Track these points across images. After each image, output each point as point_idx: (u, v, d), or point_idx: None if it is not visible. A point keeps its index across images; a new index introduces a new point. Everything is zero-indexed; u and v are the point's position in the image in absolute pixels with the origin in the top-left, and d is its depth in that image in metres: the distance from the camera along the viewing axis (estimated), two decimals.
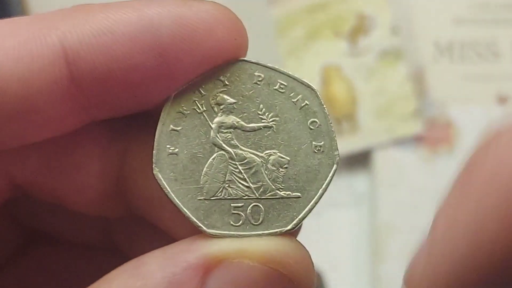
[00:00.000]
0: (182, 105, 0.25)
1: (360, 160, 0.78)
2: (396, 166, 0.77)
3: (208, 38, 0.23)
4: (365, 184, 0.77)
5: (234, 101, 0.25)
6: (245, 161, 0.25)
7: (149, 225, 0.29)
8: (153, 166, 0.24)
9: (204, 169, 0.25)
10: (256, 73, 0.25)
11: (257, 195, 0.25)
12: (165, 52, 0.23)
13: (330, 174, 0.24)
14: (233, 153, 0.25)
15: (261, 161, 0.25)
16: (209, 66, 0.24)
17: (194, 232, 0.24)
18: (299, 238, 0.25)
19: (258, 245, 0.23)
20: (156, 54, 0.23)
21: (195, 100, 0.25)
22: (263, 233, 0.24)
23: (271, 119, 0.25)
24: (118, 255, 0.32)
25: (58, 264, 0.33)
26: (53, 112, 0.23)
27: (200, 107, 0.25)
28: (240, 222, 0.24)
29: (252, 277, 0.22)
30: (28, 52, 0.22)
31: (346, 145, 0.76)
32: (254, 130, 0.25)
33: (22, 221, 0.32)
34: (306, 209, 0.24)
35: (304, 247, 0.24)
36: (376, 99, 0.79)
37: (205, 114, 0.25)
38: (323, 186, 0.24)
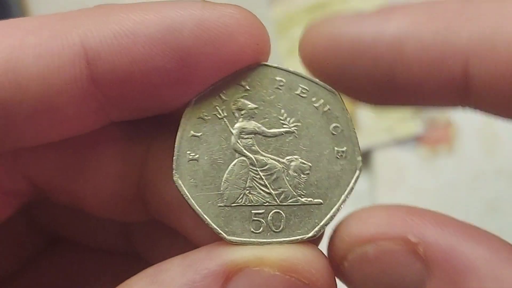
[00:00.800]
0: (203, 111, 0.24)
1: None
2: (396, 166, 0.77)
3: (230, 42, 0.23)
4: (365, 184, 0.77)
5: (255, 106, 0.24)
6: (266, 167, 0.24)
7: (169, 230, 0.28)
8: (173, 172, 0.24)
9: (225, 175, 0.24)
10: (277, 78, 0.25)
11: (278, 201, 0.24)
12: (187, 55, 0.23)
13: (353, 181, 0.24)
14: (254, 159, 0.24)
15: (283, 167, 0.24)
16: (231, 70, 0.24)
17: (214, 238, 0.24)
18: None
19: (279, 253, 0.23)
20: (177, 57, 0.22)
21: (215, 106, 0.24)
22: (284, 240, 0.24)
23: (292, 125, 0.24)
24: (137, 260, 0.32)
25: (78, 268, 0.32)
26: (72, 112, 0.23)
27: (220, 112, 0.24)
28: (261, 229, 0.24)
29: (273, 286, 0.22)
30: (49, 50, 0.22)
31: None
32: (275, 135, 0.24)
33: (42, 225, 0.32)
34: (328, 216, 0.24)
35: (325, 256, 0.24)
36: None
37: (225, 120, 0.24)
38: (346, 192, 0.24)
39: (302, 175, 0.24)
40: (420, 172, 0.77)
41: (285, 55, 0.81)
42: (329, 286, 0.23)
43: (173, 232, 0.28)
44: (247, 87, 0.24)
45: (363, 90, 0.24)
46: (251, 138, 0.24)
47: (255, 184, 0.24)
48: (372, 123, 0.78)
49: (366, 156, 0.77)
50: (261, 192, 0.24)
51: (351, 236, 0.23)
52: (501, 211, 0.72)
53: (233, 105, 0.24)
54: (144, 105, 0.24)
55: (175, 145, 0.24)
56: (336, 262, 0.23)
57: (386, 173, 0.77)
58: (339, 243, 0.23)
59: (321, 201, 0.24)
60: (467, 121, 0.77)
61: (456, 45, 0.22)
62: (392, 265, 0.22)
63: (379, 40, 0.23)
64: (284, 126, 0.24)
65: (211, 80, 0.24)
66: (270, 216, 0.24)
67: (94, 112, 0.24)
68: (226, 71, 0.24)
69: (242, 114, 0.24)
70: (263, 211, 0.24)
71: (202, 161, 0.24)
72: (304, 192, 0.24)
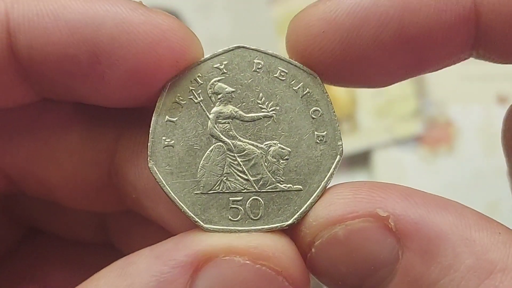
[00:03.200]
0: (178, 95, 0.24)
1: (360, 160, 0.77)
2: (396, 166, 0.77)
3: (147, 52, 0.22)
4: None
5: (232, 90, 0.24)
6: (244, 152, 0.24)
7: (144, 221, 0.28)
8: (148, 158, 0.23)
9: (201, 161, 0.24)
10: (255, 60, 0.24)
11: (256, 188, 0.24)
12: (100, 52, 0.22)
13: (333, 166, 0.24)
14: (231, 144, 0.24)
15: (261, 153, 0.24)
16: (145, 81, 0.23)
17: (191, 226, 0.23)
18: None
19: (249, 240, 0.22)
20: (89, 51, 0.22)
21: (191, 89, 0.24)
22: (262, 228, 0.23)
23: (271, 109, 0.24)
24: (113, 251, 0.31)
25: (54, 259, 0.32)
26: None
27: (197, 96, 0.24)
28: (239, 216, 0.23)
29: (244, 275, 0.21)
30: None
31: (346, 145, 0.75)
32: (253, 120, 0.24)
33: (18, 217, 0.32)
34: (308, 202, 0.23)
35: (294, 244, 0.23)
36: (376, 99, 0.79)
37: (202, 104, 0.24)
38: (326, 178, 0.23)
39: (281, 161, 0.24)
40: (420, 172, 0.76)
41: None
42: (302, 273, 0.22)
43: (148, 222, 0.28)
44: (224, 70, 0.24)
45: (369, 58, 0.23)
46: (228, 123, 0.24)
47: (233, 171, 0.24)
48: (372, 123, 0.78)
49: (366, 156, 0.77)
50: (239, 178, 0.24)
51: (318, 220, 0.22)
52: (501, 211, 0.71)
53: (210, 88, 0.24)
54: (62, 89, 0.24)
55: (150, 131, 0.23)
56: (303, 250, 0.23)
57: (386, 173, 0.76)
58: (306, 229, 0.22)
59: (300, 187, 0.23)
60: (467, 121, 0.76)
61: None
62: (364, 243, 0.21)
63: None
64: (263, 110, 0.24)
65: (126, 85, 0.23)
66: (248, 204, 0.23)
67: (18, 85, 0.23)
68: (141, 80, 0.23)
69: (219, 98, 0.24)
70: (241, 198, 0.23)
71: (178, 147, 0.24)
72: (283, 178, 0.24)
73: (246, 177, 0.24)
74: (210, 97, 0.24)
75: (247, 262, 0.21)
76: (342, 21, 0.22)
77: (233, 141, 0.24)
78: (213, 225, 0.23)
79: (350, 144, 0.77)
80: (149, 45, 0.22)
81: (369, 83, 0.24)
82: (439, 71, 0.25)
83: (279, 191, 0.23)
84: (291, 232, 0.23)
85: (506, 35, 0.22)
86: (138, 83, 0.23)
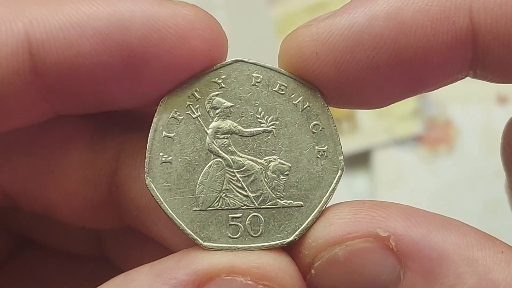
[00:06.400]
0: (176, 110, 0.23)
1: (360, 160, 0.77)
2: (396, 166, 0.76)
3: (180, 45, 0.22)
4: (365, 184, 0.76)
5: (231, 104, 0.23)
6: (243, 168, 0.23)
7: (142, 236, 0.27)
8: (145, 175, 0.23)
9: (200, 177, 0.23)
10: (254, 74, 0.23)
11: (256, 204, 0.23)
12: (133, 54, 0.22)
13: (335, 181, 0.23)
14: (230, 160, 0.23)
15: (261, 168, 0.23)
16: (181, 73, 0.23)
17: (191, 244, 0.23)
18: None
19: (251, 260, 0.22)
20: (123, 55, 0.22)
21: (189, 104, 0.23)
22: (263, 246, 0.23)
23: (270, 123, 0.23)
24: (108, 265, 0.31)
25: (47, 271, 0.31)
26: (13, 104, 0.22)
27: (194, 111, 0.23)
28: (239, 234, 0.23)
29: None
30: None
31: (346, 145, 0.75)
32: (252, 135, 0.23)
33: (11, 229, 0.31)
34: (309, 219, 0.23)
35: (295, 263, 0.23)
36: None
37: (200, 119, 0.23)
38: (327, 194, 0.23)
39: (282, 176, 0.23)
40: (420, 172, 0.76)
41: None
42: None
43: (146, 238, 0.27)
44: (222, 84, 0.23)
45: (364, 80, 0.23)
46: (227, 138, 0.23)
47: (232, 187, 0.23)
48: (372, 123, 0.78)
49: (366, 156, 0.77)
50: (238, 195, 0.23)
51: (317, 241, 0.22)
52: (500, 211, 0.71)
53: (208, 103, 0.23)
54: (90, 100, 0.23)
55: (147, 147, 0.23)
56: (303, 271, 0.22)
57: (386, 173, 0.76)
58: (305, 250, 0.22)
59: (301, 203, 0.23)
60: (467, 121, 0.76)
61: None
62: (365, 264, 0.21)
63: (374, 18, 0.22)
64: (262, 124, 0.23)
65: (162, 81, 0.23)
66: (248, 220, 0.23)
67: (37, 104, 0.23)
68: (176, 73, 0.23)
69: (217, 113, 0.23)
70: (240, 215, 0.23)
71: (176, 163, 0.23)
72: (284, 194, 0.23)
73: (245, 193, 0.23)
74: (208, 112, 0.23)
75: (249, 282, 0.21)
76: (335, 43, 0.22)
77: (232, 157, 0.23)
78: (213, 242, 0.23)
79: (350, 144, 0.76)
80: (181, 39, 0.22)
81: (364, 105, 0.24)
82: None
83: (280, 207, 0.23)
84: (290, 252, 0.23)
85: (503, 56, 0.22)
86: (173, 78, 0.23)
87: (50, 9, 0.22)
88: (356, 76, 0.22)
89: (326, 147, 0.23)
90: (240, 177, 0.23)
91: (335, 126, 0.23)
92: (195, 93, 0.23)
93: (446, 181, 0.75)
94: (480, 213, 0.72)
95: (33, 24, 0.21)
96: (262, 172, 0.23)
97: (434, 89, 0.24)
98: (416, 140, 0.77)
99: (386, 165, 0.76)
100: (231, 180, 0.23)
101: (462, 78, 0.24)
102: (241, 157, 0.23)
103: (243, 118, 0.23)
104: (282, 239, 0.23)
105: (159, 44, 0.21)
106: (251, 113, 0.23)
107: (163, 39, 0.21)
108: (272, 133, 0.23)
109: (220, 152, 0.23)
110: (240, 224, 0.23)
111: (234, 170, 0.23)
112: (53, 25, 0.21)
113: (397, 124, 0.77)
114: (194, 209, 0.23)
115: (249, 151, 0.23)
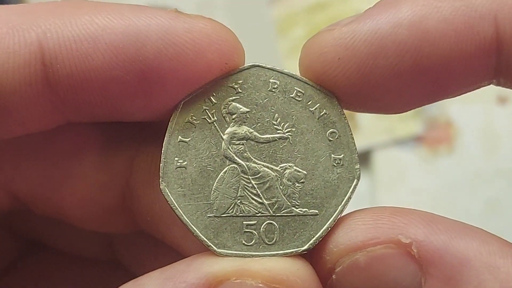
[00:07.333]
0: (192, 115, 0.23)
1: (360, 160, 0.77)
2: (396, 166, 0.76)
3: (197, 60, 0.21)
4: (365, 184, 0.76)
5: (247, 110, 0.23)
6: (259, 175, 0.23)
7: (154, 241, 0.27)
8: (160, 180, 0.23)
9: (215, 183, 0.23)
10: (271, 80, 0.23)
11: (271, 212, 0.23)
12: (148, 69, 0.21)
13: (350, 190, 0.23)
14: (246, 166, 0.23)
15: (276, 175, 0.23)
16: (197, 87, 0.22)
17: (205, 250, 0.23)
18: None
19: (262, 263, 0.22)
20: (137, 69, 0.21)
21: (205, 109, 0.23)
22: (277, 254, 0.22)
23: (287, 130, 0.23)
24: (119, 268, 0.30)
25: (57, 275, 0.31)
26: (25, 112, 0.22)
27: (210, 116, 0.23)
28: (253, 241, 0.23)
29: None
30: (5, 48, 0.21)
31: None
32: (268, 141, 0.23)
33: (21, 232, 0.31)
34: (324, 227, 0.23)
35: (311, 266, 0.23)
36: None
37: (216, 124, 0.23)
38: (343, 202, 0.23)
39: (297, 184, 0.23)
40: (420, 172, 0.76)
41: (285, 56, 0.81)
42: None
43: (158, 243, 0.27)
44: (239, 90, 0.23)
45: (385, 87, 0.22)
46: (242, 144, 0.23)
47: (247, 194, 0.23)
48: (372, 123, 0.78)
49: (366, 156, 0.77)
50: (253, 202, 0.23)
51: (339, 246, 0.22)
52: (500, 211, 0.71)
53: (224, 108, 0.23)
54: (103, 111, 0.23)
55: (162, 151, 0.23)
56: (323, 276, 0.22)
57: (386, 173, 0.76)
58: (326, 255, 0.22)
59: (316, 211, 0.23)
60: (467, 121, 0.76)
61: (481, 5, 0.21)
62: (386, 270, 0.21)
63: (398, 25, 0.21)
64: (278, 131, 0.23)
65: (176, 95, 0.22)
66: (263, 228, 0.23)
67: (49, 113, 0.23)
68: (192, 87, 0.22)
69: (233, 119, 0.23)
70: (255, 222, 0.23)
71: (191, 169, 0.23)
72: (299, 202, 0.23)
73: (260, 201, 0.23)
74: (224, 117, 0.23)
75: (260, 285, 0.21)
76: (358, 48, 0.21)
77: (248, 163, 0.23)
78: (227, 249, 0.22)
79: None
80: (198, 53, 0.21)
81: (385, 110, 0.24)
82: None
83: (295, 215, 0.23)
84: (310, 257, 0.23)
85: None
86: (188, 92, 0.22)
87: (65, 20, 0.21)
88: (377, 82, 0.22)
89: (342, 155, 0.23)
90: (255, 184, 0.23)
91: (351, 134, 0.23)
92: (211, 97, 0.23)
93: (446, 181, 0.75)
94: (480, 213, 0.72)
95: (47, 34, 0.21)
96: (278, 179, 0.23)
97: (456, 96, 0.24)
98: (416, 140, 0.77)
99: (387, 165, 0.76)
100: (246, 187, 0.23)
101: (485, 86, 0.24)
102: (256, 163, 0.23)
103: (259, 124, 0.23)
104: (297, 248, 0.23)
105: (175, 59, 0.21)
106: (267, 119, 0.23)
107: (179, 53, 0.21)
108: (288, 140, 0.23)
109: (236, 158, 0.23)
110: (254, 232, 0.23)
111: (249, 177, 0.23)
112: (66, 36, 0.21)
113: (397, 124, 0.77)
114: (208, 215, 0.23)
115: (264, 157, 0.23)
